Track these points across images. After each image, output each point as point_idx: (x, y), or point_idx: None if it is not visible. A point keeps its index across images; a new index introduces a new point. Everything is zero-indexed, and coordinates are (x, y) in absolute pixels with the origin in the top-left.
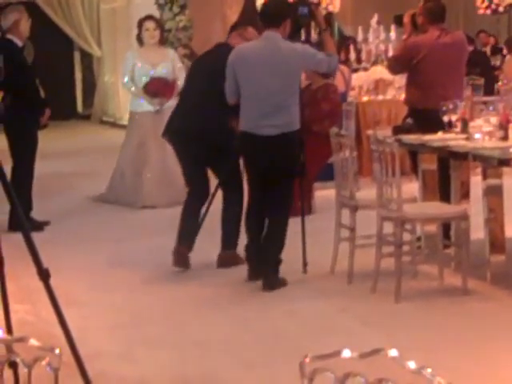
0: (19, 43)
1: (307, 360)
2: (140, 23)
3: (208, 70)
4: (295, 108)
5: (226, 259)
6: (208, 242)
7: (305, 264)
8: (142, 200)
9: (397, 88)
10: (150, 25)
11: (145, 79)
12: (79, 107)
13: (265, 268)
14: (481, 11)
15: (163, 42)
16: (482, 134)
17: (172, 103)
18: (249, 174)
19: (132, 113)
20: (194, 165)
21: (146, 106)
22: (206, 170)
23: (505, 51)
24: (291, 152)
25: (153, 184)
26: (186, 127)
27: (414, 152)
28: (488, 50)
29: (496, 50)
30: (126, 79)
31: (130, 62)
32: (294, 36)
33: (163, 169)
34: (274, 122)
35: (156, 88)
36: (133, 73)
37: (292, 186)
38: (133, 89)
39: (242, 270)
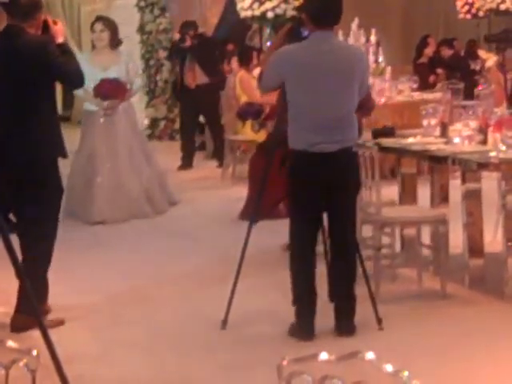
0: None
1: (285, 363)
2: (92, 24)
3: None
4: (355, 120)
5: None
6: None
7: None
8: (92, 216)
9: (376, 92)
10: (96, 27)
11: (94, 83)
12: (59, 108)
13: (345, 312)
14: (461, 15)
15: (115, 44)
16: (462, 138)
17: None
18: (302, 203)
19: (86, 113)
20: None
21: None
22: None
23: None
24: (356, 168)
25: (104, 198)
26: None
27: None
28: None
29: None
30: None
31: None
32: None
33: (115, 180)
34: (338, 136)
35: (106, 90)
36: None
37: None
38: (80, 92)
39: (221, 272)
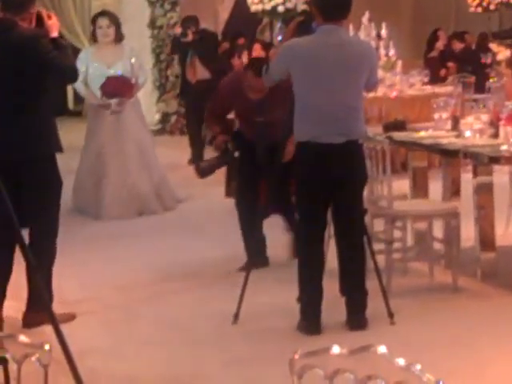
0: None
1: (297, 357)
2: (93, 20)
3: None
4: (362, 113)
5: (34, 321)
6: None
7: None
8: (102, 215)
9: (387, 85)
10: (102, 22)
11: (100, 80)
12: (70, 103)
13: (356, 307)
14: (472, 9)
15: (120, 39)
16: (473, 131)
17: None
18: (310, 198)
19: (93, 107)
20: None
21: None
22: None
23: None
24: (362, 161)
25: (114, 197)
26: None
27: None
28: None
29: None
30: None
31: (84, 63)
32: None
33: (124, 177)
34: (343, 129)
35: (113, 88)
36: (86, 74)
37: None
38: (83, 91)
39: (231, 266)
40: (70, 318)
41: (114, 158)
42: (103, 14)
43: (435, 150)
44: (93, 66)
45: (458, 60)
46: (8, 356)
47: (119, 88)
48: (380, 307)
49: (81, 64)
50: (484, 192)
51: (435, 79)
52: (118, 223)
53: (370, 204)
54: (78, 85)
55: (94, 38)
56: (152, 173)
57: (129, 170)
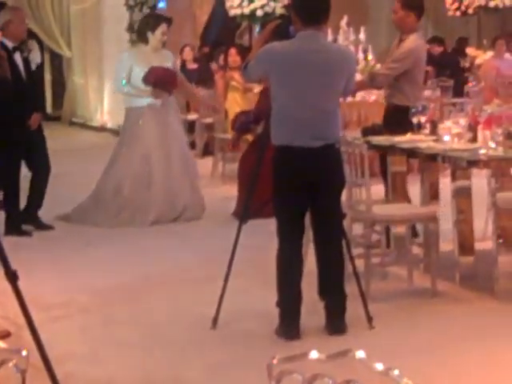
0: (9, 44)
1: (275, 361)
2: (158, 22)
3: None
4: (339, 118)
5: None
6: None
7: None
8: (146, 219)
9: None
10: (166, 29)
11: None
12: (49, 108)
13: (335, 311)
14: (450, 13)
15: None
16: (451, 135)
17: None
18: (288, 202)
19: (130, 110)
20: None
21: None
22: None
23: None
24: (339, 165)
25: (158, 200)
26: None
27: (383, 155)
28: None
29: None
30: (123, 82)
31: (127, 65)
32: None
33: (169, 181)
34: (320, 133)
35: (160, 74)
36: (129, 76)
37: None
38: (131, 90)
39: (211, 270)
40: (5, 335)
41: (161, 163)
42: (166, 20)
43: (414, 155)
44: (137, 69)
45: (437, 64)
46: None
47: (165, 75)
48: (359, 311)
49: (122, 66)
50: (462, 196)
51: None
52: (97, 228)
53: (349, 208)
54: (126, 86)
55: (144, 39)
56: (191, 179)
57: (173, 177)
